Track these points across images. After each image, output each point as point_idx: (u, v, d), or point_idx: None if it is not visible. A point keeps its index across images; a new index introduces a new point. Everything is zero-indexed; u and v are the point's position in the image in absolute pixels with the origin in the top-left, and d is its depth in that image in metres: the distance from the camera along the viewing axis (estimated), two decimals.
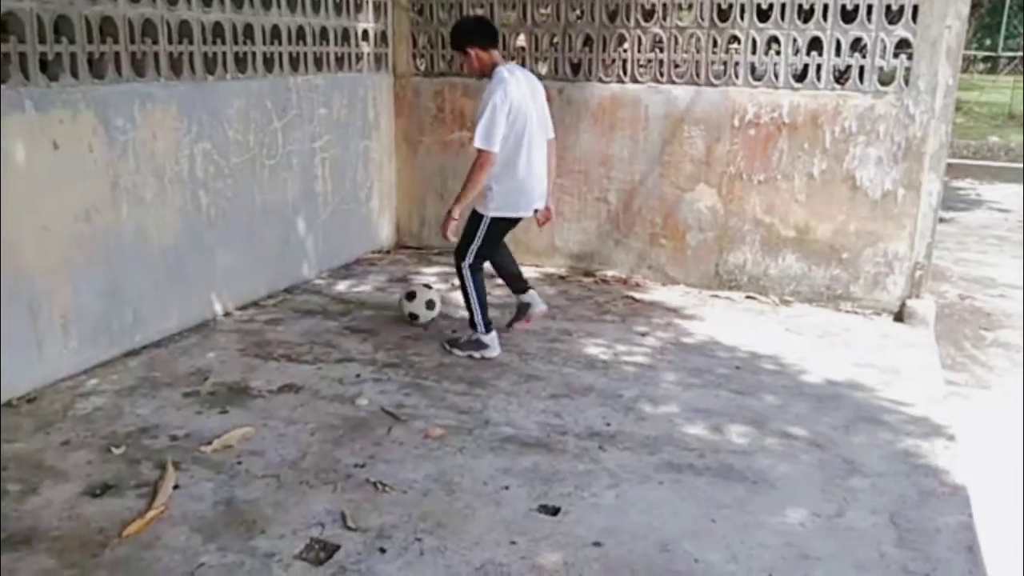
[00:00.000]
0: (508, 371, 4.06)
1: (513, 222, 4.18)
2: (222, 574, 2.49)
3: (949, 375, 4.35)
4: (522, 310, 4.55)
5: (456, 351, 4.21)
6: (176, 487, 2.94)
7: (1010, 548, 2.83)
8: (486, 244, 4.13)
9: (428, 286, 4.83)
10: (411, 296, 4.67)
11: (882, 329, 4.84)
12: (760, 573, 2.55)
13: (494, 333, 4.22)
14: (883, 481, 3.11)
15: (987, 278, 6.35)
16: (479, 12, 5.81)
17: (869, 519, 2.85)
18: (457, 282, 4.28)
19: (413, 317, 4.65)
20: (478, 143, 3.86)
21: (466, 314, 4.25)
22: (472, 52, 3.98)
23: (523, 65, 5.73)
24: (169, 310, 4.37)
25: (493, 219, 4.08)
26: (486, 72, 3.98)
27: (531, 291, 4.55)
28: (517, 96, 3.89)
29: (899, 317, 4.96)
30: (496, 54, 4.02)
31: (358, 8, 5.73)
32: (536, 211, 4.25)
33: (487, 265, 4.32)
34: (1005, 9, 16.55)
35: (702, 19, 5.20)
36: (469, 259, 4.14)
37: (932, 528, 2.81)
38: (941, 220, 5.79)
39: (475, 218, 4.12)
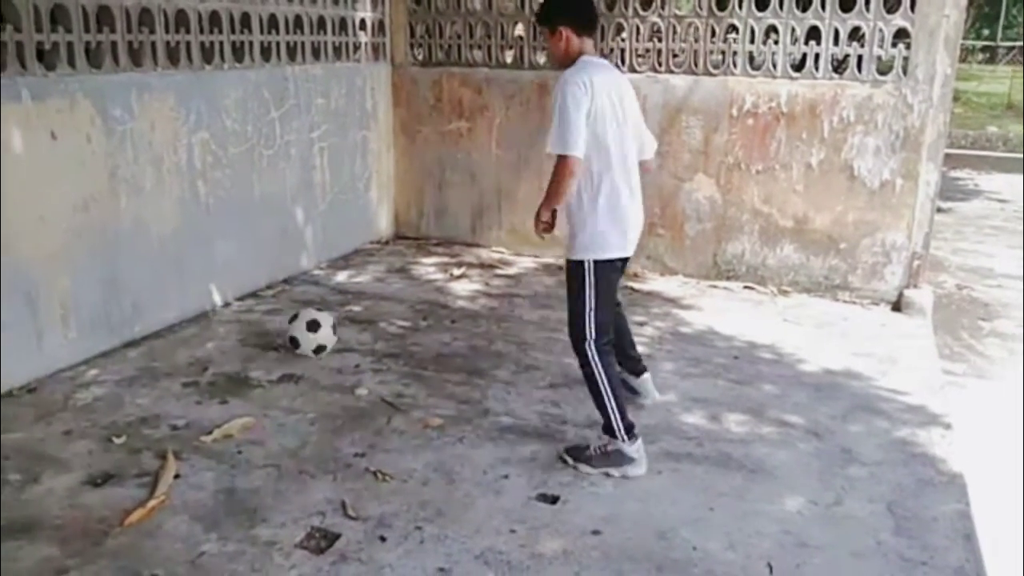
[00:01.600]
0: (507, 361, 4.06)
1: (619, 268, 3.13)
2: (223, 562, 2.50)
3: (946, 365, 4.36)
4: (631, 391, 3.52)
5: (582, 467, 3.06)
6: (177, 476, 2.95)
7: (1007, 536, 2.85)
8: (602, 304, 3.03)
9: (320, 308, 4.23)
10: (314, 326, 4.02)
11: (880, 319, 4.85)
12: (758, 561, 2.57)
13: (639, 442, 3.05)
14: (880, 470, 3.12)
15: (985, 268, 6.36)
16: (478, 1, 5.79)
17: (867, 507, 2.87)
18: (580, 371, 3.14)
19: (320, 349, 4.04)
20: (552, 147, 2.90)
21: (597, 414, 3.11)
22: (564, 32, 3.03)
23: (521, 55, 5.75)
24: (168, 300, 4.38)
25: (596, 265, 3.01)
26: (569, 61, 3.04)
27: (646, 375, 3.60)
28: (601, 97, 2.93)
29: (897, 307, 4.98)
30: (589, 44, 3.07)
31: None
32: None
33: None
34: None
35: (700, 8, 5.19)
36: (590, 334, 3.02)
37: (929, 516, 2.82)
38: (939, 210, 5.80)
39: (574, 273, 3.05)
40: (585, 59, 3.03)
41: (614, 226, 3.03)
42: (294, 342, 4.03)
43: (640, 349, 4.20)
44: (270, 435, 3.28)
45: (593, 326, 3.03)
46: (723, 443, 3.30)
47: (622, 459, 3.03)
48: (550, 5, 3.14)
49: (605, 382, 3.04)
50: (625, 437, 3.02)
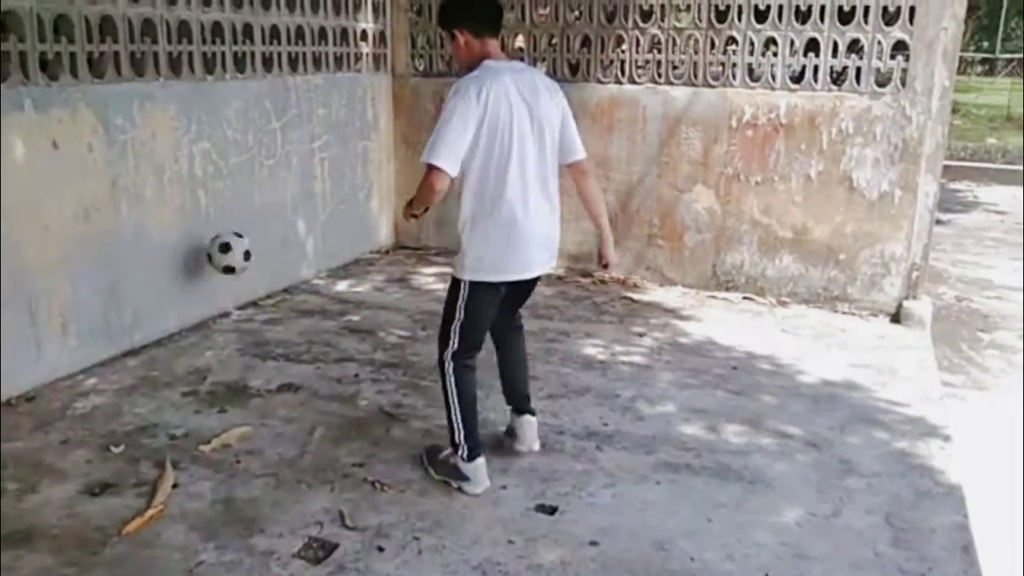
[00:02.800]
0: None
1: (507, 290, 2.95)
2: (220, 572, 2.50)
3: (945, 376, 4.36)
4: (508, 433, 3.33)
5: (431, 471, 3.07)
6: (175, 486, 2.95)
7: (1005, 549, 2.84)
8: (472, 322, 2.93)
9: (240, 235, 4.49)
10: (226, 248, 4.40)
11: (879, 330, 4.85)
12: (756, 572, 2.57)
13: (481, 461, 2.98)
14: (879, 481, 3.12)
15: (984, 280, 6.37)
16: None
17: (865, 519, 2.87)
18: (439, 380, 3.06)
19: (229, 270, 4.41)
20: (424, 156, 2.74)
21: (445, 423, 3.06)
22: (460, 36, 2.85)
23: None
24: (168, 309, 4.38)
25: (472, 286, 2.89)
26: (473, 66, 2.84)
27: (530, 418, 3.29)
28: (498, 102, 2.72)
29: (896, 318, 4.98)
30: (492, 45, 2.86)
31: (357, 8, 5.74)
32: (533, 279, 3.00)
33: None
34: (1003, 12, 16.59)
35: (700, 20, 5.22)
36: (452, 344, 2.96)
37: (927, 528, 2.82)
38: (938, 222, 5.81)
39: (453, 287, 2.97)
40: (487, 64, 2.82)
41: (510, 248, 2.87)
42: (208, 258, 4.39)
43: (639, 360, 4.24)
44: (268, 444, 3.28)
45: (457, 339, 2.95)
46: (721, 454, 3.30)
47: (459, 474, 2.99)
48: (445, 7, 2.95)
49: (455, 396, 2.98)
50: (465, 455, 2.97)
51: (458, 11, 2.87)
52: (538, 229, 2.91)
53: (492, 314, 3.01)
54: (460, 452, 2.98)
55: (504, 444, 3.30)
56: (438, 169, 2.72)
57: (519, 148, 2.80)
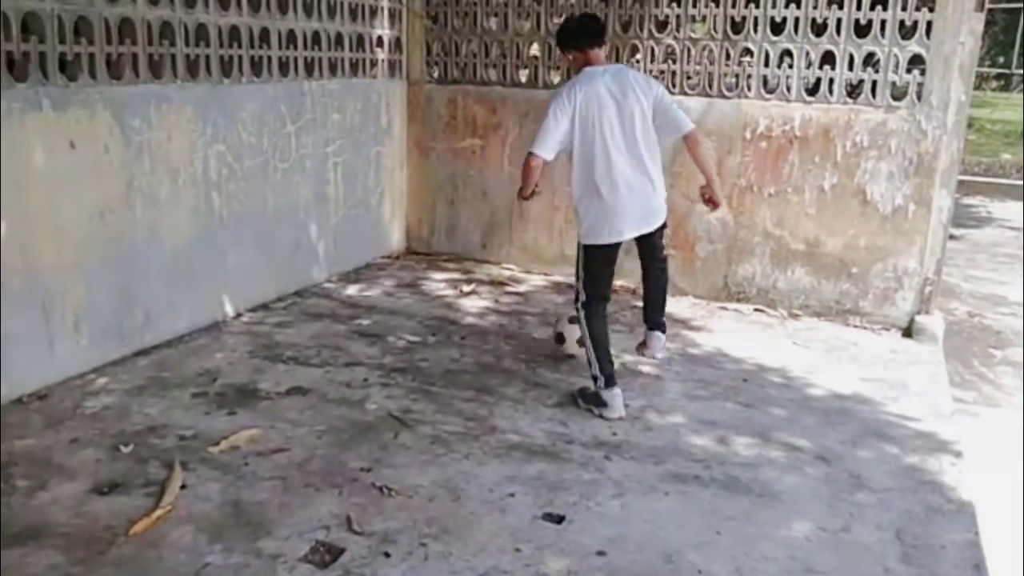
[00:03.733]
0: (515, 379, 4.06)
1: (613, 249, 3.75)
2: (227, 575, 2.50)
3: (957, 392, 4.33)
4: (640, 346, 4.35)
5: (580, 402, 3.76)
6: (183, 487, 2.96)
7: (1017, 568, 2.81)
8: (592, 275, 3.72)
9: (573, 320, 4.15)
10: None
11: (891, 344, 4.82)
12: None
13: (617, 390, 3.66)
14: (889, 496, 3.10)
15: (997, 296, 6.33)
16: (494, 20, 5.85)
17: (875, 534, 2.85)
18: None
19: (560, 338, 4.28)
20: (530, 145, 3.61)
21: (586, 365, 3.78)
22: (570, 55, 3.77)
23: (535, 75, 5.78)
24: (180, 310, 4.40)
25: (588, 249, 3.71)
26: (580, 71, 3.73)
27: (657, 333, 4.27)
28: (588, 102, 3.55)
29: (908, 333, 4.95)
30: (593, 54, 3.68)
31: (373, 15, 5.77)
32: (652, 233, 3.85)
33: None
34: (1020, 27, 16.51)
35: (715, 31, 5.22)
36: (581, 297, 3.73)
37: (938, 545, 2.80)
38: (951, 237, 5.77)
39: (577, 250, 3.79)
40: (587, 70, 3.67)
41: (607, 220, 3.66)
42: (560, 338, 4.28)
43: (648, 369, 4.24)
44: (277, 447, 3.28)
45: (584, 292, 3.72)
46: (731, 466, 3.29)
47: (599, 400, 3.66)
48: (558, 35, 3.90)
49: (588, 340, 3.71)
50: (603, 384, 3.65)
51: (563, 39, 3.81)
52: (628, 201, 3.67)
53: (609, 271, 3.79)
54: (599, 383, 3.66)
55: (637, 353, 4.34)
56: (534, 154, 3.58)
57: (607, 137, 3.59)
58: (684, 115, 3.80)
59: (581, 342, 3.95)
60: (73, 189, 3.72)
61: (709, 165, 3.96)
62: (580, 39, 3.70)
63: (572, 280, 3.89)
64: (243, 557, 2.58)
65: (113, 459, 3.15)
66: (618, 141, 3.60)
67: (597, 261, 3.72)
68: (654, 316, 4.29)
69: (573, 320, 4.08)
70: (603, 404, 3.66)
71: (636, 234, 3.79)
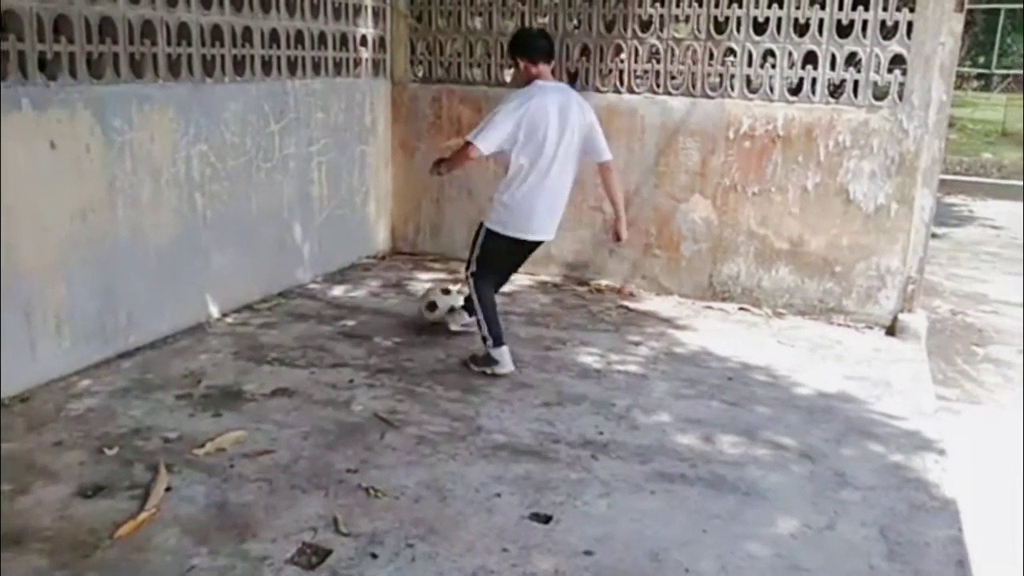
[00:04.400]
0: (501, 379, 4.06)
1: (515, 245, 4.04)
2: None
3: (940, 390, 4.37)
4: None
5: (473, 367, 4.11)
6: (168, 489, 2.93)
7: (1000, 563, 2.84)
8: (486, 255, 4.03)
9: (447, 291, 4.75)
10: (447, 292, 4.74)
11: (874, 343, 4.86)
12: None
13: (505, 348, 4.07)
14: (874, 494, 3.12)
15: (979, 294, 6.39)
16: (478, 19, 5.85)
17: (859, 532, 2.87)
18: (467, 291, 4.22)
19: (432, 307, 4.69)
20: (470, 135, 3.83)
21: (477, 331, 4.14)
22: (521, 62, 3.99)
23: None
24: (163, 312, 4.37)
25: (489, 232, 4.00)
26: (529, 83, 3.95)
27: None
28: (537, 112, 3.81)
29: (891, 331, 4.99)
30: (543, 69, 3.96)
31: (357, 13, 5.75)
32: (531, 242, 4.06)
33: None
34: (999, 28, 16.70)
35: (699, 31, 5.24)
36: (472, 267, 4.07)
37: (922, 542, 2.82)
38: (934, 236, 5.83)
39: (480, 227, 4.09)
40: (537, 83, 3.93)
41: (522, 216, 3.94)
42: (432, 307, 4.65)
43: (634, 369, 4.26)
44: (263, 449, 3.26)
45: (475, 264, 4.05)
46: (716, 465, 3.30)
47: (490, 360, 4.05)
48: (510, 44, 4.13)
49: (476, 302, 4.05)
50: (491, 344, 4.03)
51: (518, 47, 4.03)
52: (544, 210, 3.96)
53: (506, 262, 4.18)
54: (488, 343, 4.03)
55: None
56: (474, 145, 3.79)
57: (547, 147, 3.85)
58: (606, 144, 4.09)
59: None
60: (54, 189, 3.68)
61: (619, 196, 4.22)
62: (535, 52, 3.95)
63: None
64: (229, 559, 2.57)
65: (97, 462, 3.12)
66: (552, 153, 3.87)
67: (493, 247, 4.01)
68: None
69: (445, 292, 4.66)
70: (494, 362, 4.03)
71: (539, 238, 4.05)
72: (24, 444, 3.23)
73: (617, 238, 4.26)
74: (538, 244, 4.12)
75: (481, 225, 4.07)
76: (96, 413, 3.52)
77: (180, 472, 3.06)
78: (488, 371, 4.04)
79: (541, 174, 3.89)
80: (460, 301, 4.64)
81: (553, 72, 4.10)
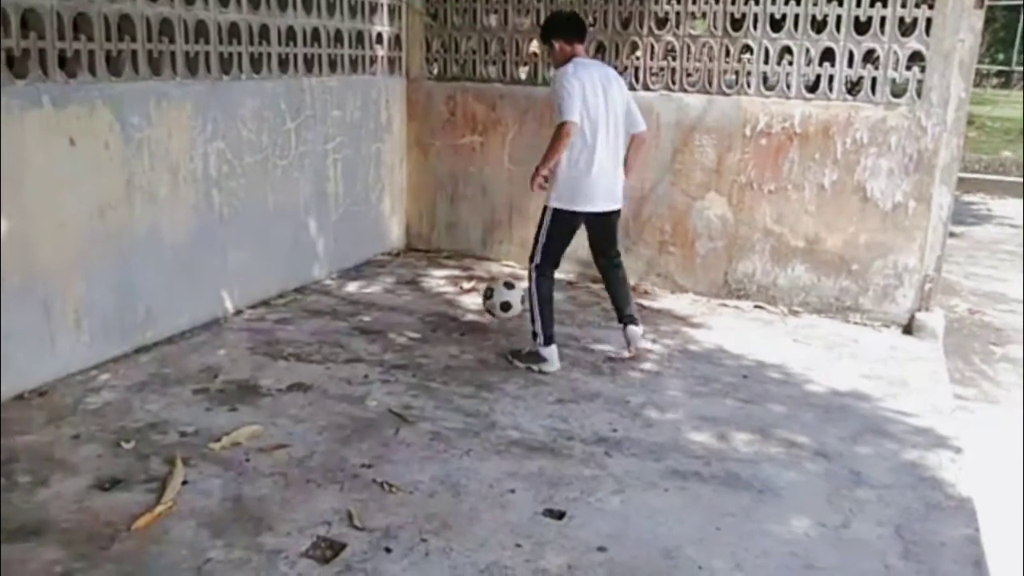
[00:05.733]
0: (515, 375, 4.07)
1: (578, 219, 4.03)
2: (229, 570, 2.51)
3: (957, 389, 4.34)
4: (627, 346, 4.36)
5: (516, 362, 4.13)
6: (184, 483, 2.96)
7: (1017, 564, 2.82)
8: (552, 240, 4.02)
9: (510, 285, 4.56)
10: (510, 286, 4.55)
11: (891, 341, 4.83)
12: None
13: (554, 347, 4.08)
14: (889, 493, 3.10)
15: (997, 293, 6.34)
16: (493, 17, 5.85)
17: (875, 531, 2.85)
18: (524, 285, 4.21)
19: (505, 307, 4.48)
20: (557, 118, 3.84)
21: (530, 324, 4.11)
22: (556, 44, 4.02)
23: (535, 72, 5.79)
24: (180, 307, 4.40)
25: (555, 211, 3.99)
26: (564, 63, 3.97)
27: (632, 327, 4.30)
28: (588, 83, 3.86)
29: (908, 330, 4.96)
30: (579, 48, 4.03)
31: (373, 11, 5.77)
32: (603, 213, 4.06)
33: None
34: (1020, 24, 16.50)
35: (715, 28, 5.21)
36: (537, 258, 4.05)
37: (938, 541, 2.80)
38: (951, 234, 5.78)
39: (543, 213, 4.05)
40: (578, 60, 3.96)
41: (581, 189, 3.95)
42: (505, 307, 4.48)
43: (649, 366, 4.25)
44: (278, 443, 3.29)
45: (540, 254, 4.04)
46: (731, 462, 3.29)
47: (538, 357, 4.06)
48: (544, 27, 4.18)
49: (535, 297, 4.05)
50: (542, 342, 4.04)
51: (554, 28, 4.07)
52: (600, 181, 3.98)
53: (567, 240, 4.10)
54: (538, 340, 4.04)
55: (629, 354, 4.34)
56: (568, 121, 3.81)
57: (598, 119, 3.92)
58: (641, 116, 4.17)
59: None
60: (73, 186, 3.72)
61: (637, 165, 4.35)
62: (571, 32, 4.03)
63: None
64: (244, 552, 2.59)
65: (115, 455, 3.15)
66: (602, 125, 3.94)
67: (560, 226, 4.01)
68: (625, 311, 4.34)
69: (509, 286, 4.53)
70: (542, 360, 4.06)
71: (603, 209, 4.05)
72: (43, 437, 3.27)
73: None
74: (609, 217, 4.12)
75: (544, 211, 4.03)
76: (114, 407, 3.56)
77: (196, 466, 3.09)
78: (535, 368, 4.06)
79: (598, 143, 3.93)
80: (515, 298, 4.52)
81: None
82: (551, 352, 4.07)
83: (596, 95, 3.90)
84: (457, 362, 4.22)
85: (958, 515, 2.97)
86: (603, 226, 4.17)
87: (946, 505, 3.04)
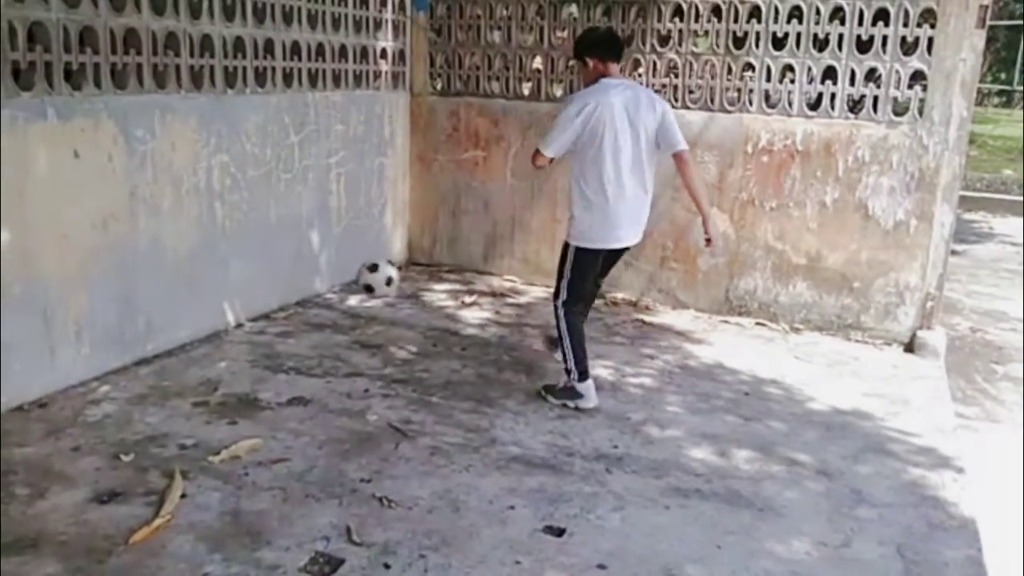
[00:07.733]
0: (516, 390, 4.06)
1: (601, 254, 3.86)
2: None
3: (959, 408, 4.32)
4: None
5: (551, 398, 3.92)
6: (183, 496, 2.95)
7: None
8: (577, 279, 3.83)
9: (392, 263, 4.75)
10: (374, 268, 4.57)
11: (892, 359, 4.82)
12: None
13: (590, 382, 3.88)
14: (891, 512, 3.09)
15: (999, 312, 6.33)
16: (497, 33, 5.88)
17: (876, 550, 2.84)
18: (553, 323, 3.98)
19: (368, 288, 4.58)
20: (540, 140, 3.79)
21: (561, 361, 3.94)
22: (590, 62, 3.80)
23: (538, 88, 5.81)
24: (181, 320, 4.40)
25: (579, 251, 3.79)
26: (594, 82, 3.80)
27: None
28: (600, 111, 3.62)
29: (910, 348, 4.95)
30: (612, 67, 3.78)
31: (377, 27, 5.80)
32: (626, 248, 3.90)
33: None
34: (1021, 44, 16.58)
35: (717, 46, 5.24)
36: (563, 296, 3.85)
37: (940, 561, 2.79)
38: (953, 252, 5.78)
39: (564, 249, 3.88)
40: (603, 81, 3.75)
41: (605, 225, 3.76)
42: (368, 288, 4.55)
43: (649, 382, 4.25)
44: (277, 457, 3.27)
45: (566, 292, 3.85)
46: (732, 480, 3.28)
47: (573, 394, 3.87)
48: (578, 43, 3.94)
49: (565, 333, 3.86)
50: (577, 377, 3.85)
51: (590, 46, 3.84)
52: (626, 210, 3.78)
53: (594, 275, 3.97)
54: (572, 376, 3.86)
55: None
56: (540, 153, 3.75)
57: (620, 147, 3.68)
58: (681, 135, 3.82)
59: (552, 341, 4.24)
60: (77, 198, 3.73)
61: (701, 191, 3.91)
62: (603, 50, 3.79)
63: (557, 281, 3.93)
64: (242, 567, 2.58)
65: (113, 468, 3.14)
66: (627, 153, 3.70)
67: (586, 264, 3.84)
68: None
69: (373, 268, 4.52)
70: (578, 396, 3.87)
71: (626, 244, 3.87)
72: (41, 449, 3.26)
73: (708, 240, 3.92)
74: (623, 251, 3.95)
75: (566, 248, 3.85)
76: (113, 419, 3.55)
77: (195, 479, 3.08)
78: (571, 404, 3.86)
79: (618, 176, 3.71)
80: (393, 272, 4.60)
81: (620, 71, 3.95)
82: (587, 387, 3.87)
83: (614, 124, 3.64)
84: (458, 377, 4.21)
85: (960, 535, 2.95)
86: (616, 256, 4.00)
87: (948, 525, 3.02)
